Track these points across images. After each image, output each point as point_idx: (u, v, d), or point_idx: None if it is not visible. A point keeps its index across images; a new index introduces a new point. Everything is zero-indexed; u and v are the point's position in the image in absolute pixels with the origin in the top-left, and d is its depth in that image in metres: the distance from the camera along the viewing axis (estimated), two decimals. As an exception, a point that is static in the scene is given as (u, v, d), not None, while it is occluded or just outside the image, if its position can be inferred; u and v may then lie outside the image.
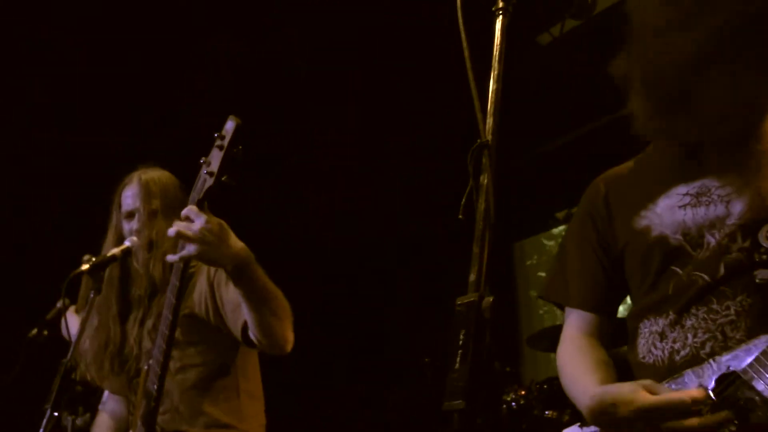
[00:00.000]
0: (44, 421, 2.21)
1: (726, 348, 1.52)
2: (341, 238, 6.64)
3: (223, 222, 2.20)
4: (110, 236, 2.69)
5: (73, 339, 2.65)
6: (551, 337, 4.44)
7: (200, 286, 2.52)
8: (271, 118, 6.03)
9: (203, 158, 2.22)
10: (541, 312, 6.37)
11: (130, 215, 2.65)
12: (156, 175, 2.72)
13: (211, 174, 2.18)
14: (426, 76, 5.52)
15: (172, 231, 2.17)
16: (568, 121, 5.31)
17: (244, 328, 2.39)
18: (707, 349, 1.56)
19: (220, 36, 5.68)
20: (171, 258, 2.23)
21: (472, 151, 1.27)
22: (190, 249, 2.15)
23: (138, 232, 2.60)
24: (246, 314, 2.31)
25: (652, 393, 1.49)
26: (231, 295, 2.41)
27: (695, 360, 1.57)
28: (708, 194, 1.62)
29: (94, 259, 2.45)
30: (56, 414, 2.24)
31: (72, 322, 2.81)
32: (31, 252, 5.49)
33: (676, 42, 1.50)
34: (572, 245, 1.93)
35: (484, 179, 1.25)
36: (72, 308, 2.87)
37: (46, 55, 5.15)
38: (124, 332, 2.64)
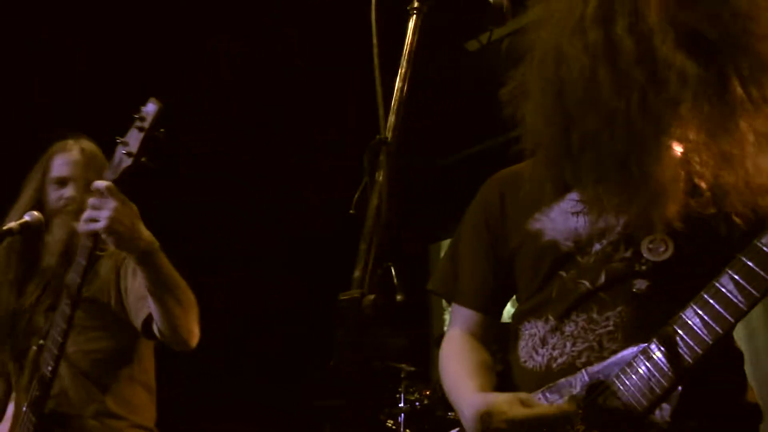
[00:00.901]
0: None
1: (601, 358, 1.53)
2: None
3: (134, 206, 2.19)
4: (27, 199, 2.60)
5: None
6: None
7: (106, 271, 2.49)
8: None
9: (119, 138, 2.21)
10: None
11: (63, 182, 2.59)
12: (93, 147, 2.68)
13: (129, 154, 2.17)
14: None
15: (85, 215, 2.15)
16: (489, 127, 5.30)
17: (147, 320, 2.36)
18: (583, 358, 1.57)
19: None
20: (81, 228, 2.19)
21: (370, 147, 1.27)
22: (99, 225, 2.13)
23: (71, 200, 2.54)
24: (151, 304, 2.28)
25: (527, 406, 1.51)
26: (137, 285, 2.38)
27: (571, 369, 1.57)
28: (600, 203, 1.61)
29: None
30: None
31: None
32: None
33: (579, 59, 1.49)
34: (464, 241, 1.92)
35: (379, 176, 1.25)
36: None
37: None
38: (17, 306, 2.57)
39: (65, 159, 2.61)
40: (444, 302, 6.48)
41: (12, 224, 2.45)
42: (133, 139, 2.18)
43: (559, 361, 1.61)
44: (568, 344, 1.60)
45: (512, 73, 1.63)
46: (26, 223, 2.47)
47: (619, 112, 1.46)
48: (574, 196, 1.68)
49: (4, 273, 2.55)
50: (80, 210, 2.33)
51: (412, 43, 1.42)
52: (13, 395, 2.60)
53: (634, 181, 1.52)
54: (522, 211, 1.77)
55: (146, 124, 2.17)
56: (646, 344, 1.47)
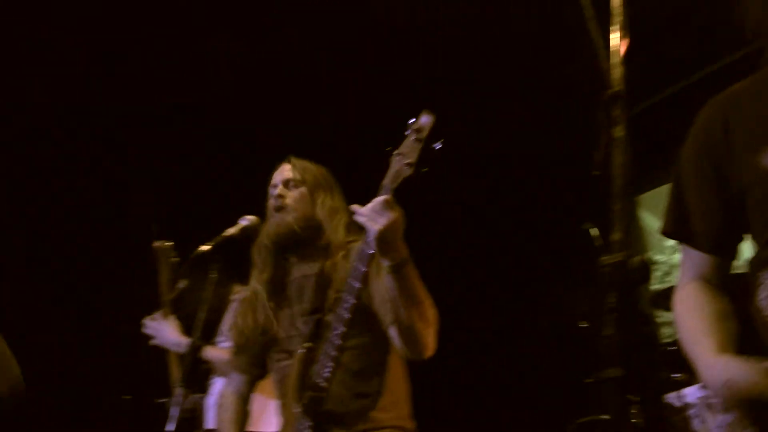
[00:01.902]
0: (176, 398, 2.32)
1: None
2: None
3: (403, 219, 2.28)
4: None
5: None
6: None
7: None
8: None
9: (393, 149, 2.29)
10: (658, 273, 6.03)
11: (273, 186, 2.77)
12: (306, 162, 2.84)
13: (409, 165, 2.23)
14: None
15: (358, 217, 2.26)
16: (672, 72, 5.13)
17: (390, 322, 2.43)
18: None
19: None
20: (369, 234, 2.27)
21: (603, 103, 1.18)
22: (372, 234, 2.23)
23: (282, 197, 2.71)
24: (395, 312, 2.35)
25: None
26: (382, 287, 2.44)
27: None
28: None
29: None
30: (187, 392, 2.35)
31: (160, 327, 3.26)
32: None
33: None
34: (687, 176, 1.69)
35: (619, 131, 1.15)
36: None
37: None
38: (274, 314, 2.69)
39: (277, 171, 2.80)
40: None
41: (231, 230, 2.59)
42: (411, 150, 2.24)
43: None
44: None
45: None
46: (244, 227, 2.62)
47: None
48: None
49: (258, 290, 2.68)
50: (285, 207, 2.62)
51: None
52: (255, 394, 2.79)
53: None
54: (752, 141, 1.54)
55: (423, 136, 2.22)
56: None
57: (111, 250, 5.58)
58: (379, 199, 2.24)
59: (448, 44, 5.27)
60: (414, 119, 2.26)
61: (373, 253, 2.28)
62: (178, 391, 2.33)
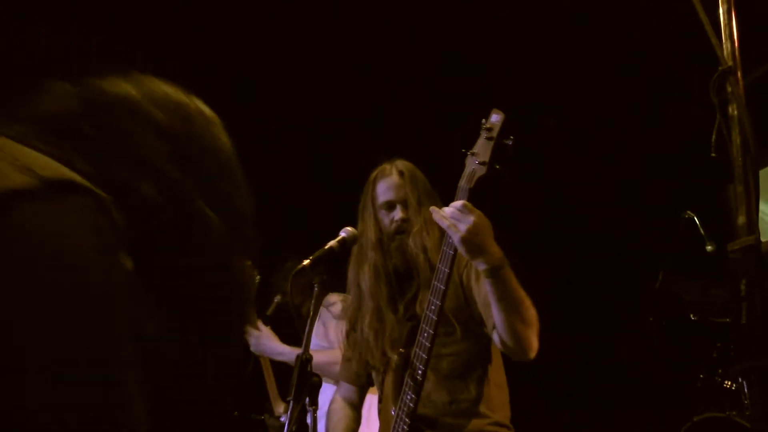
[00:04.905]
0: (289, 412, 2.28)
1: None
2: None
3: (488, 221, 2.25)
4: (370, 227, 2.72)
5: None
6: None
7: (453, 276, 2.50)
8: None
9: (468, 150, 2.33)
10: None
11: (391, 206, 2.69)
12: (409, 166, 2.74)
13: (482, 164, 2.28)
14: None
15: (440, 220, 2.23)
16: None
17: (493, 326, 2.41)
18: None
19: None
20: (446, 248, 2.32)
21: (714, 81, 1.12)
22: (456, 241, 2.22)
23: (401, 220, 2.64)
24: (495, 316, 2.34)
25: None
26: (482, 290, 2.43)
27: None
28: None
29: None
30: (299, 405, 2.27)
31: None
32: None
33: None
34: None
35: (733, 110, 1.10)
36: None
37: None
38: (379, 319, 2.69)
39: (387, 184, 2.72)
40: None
41: (332, 243, 2.56)
42: (483, 148, 2.30)
43: None
44: None
45: None
46: (343, 239, 2.57)
47: None
48: None
49: (375, 298, 2.67)
50: (412, 228, 2.57)
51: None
52: (365, 400, 2.83)
53: None
54: None
55: (494, 134, 2.29)
56: None
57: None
58: (457, 203, 2.24)
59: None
60: (485, 118, 2.31)
61: (454, 255, 2.29)
62: (289, 405, 2.32)
